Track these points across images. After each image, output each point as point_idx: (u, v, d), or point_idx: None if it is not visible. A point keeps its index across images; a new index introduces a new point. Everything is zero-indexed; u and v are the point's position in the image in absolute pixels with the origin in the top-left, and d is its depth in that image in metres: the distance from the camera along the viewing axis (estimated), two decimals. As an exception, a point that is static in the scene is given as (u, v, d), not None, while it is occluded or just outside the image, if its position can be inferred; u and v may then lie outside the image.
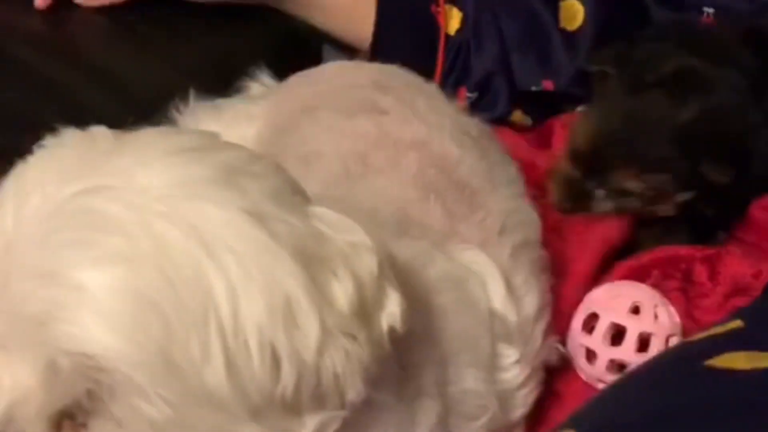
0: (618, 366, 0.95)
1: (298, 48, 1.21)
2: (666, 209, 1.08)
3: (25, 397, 0.59)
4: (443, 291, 0.79)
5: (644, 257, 1.05)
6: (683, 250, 1.06)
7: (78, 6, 1.06)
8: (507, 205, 0.91)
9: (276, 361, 0.60)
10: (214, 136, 0.68)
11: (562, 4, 1.24)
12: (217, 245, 0.59)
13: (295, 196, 0.65)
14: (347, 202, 0.77)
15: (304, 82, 1.06)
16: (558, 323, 0.94)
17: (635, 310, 0.96)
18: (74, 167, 0.61)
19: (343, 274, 0.62)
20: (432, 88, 1.04)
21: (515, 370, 0.85)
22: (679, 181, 1.05)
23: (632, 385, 0.75)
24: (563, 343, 0.96)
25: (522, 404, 0.86)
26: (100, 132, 0.65)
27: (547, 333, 0.89)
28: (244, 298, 0.59)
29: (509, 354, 0.84)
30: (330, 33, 1.22)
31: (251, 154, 0.66)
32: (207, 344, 0.58)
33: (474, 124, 1.00)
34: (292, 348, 0.60)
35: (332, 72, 1.08)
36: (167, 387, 0.58)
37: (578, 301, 0.99)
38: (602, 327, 0.95)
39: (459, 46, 1.21)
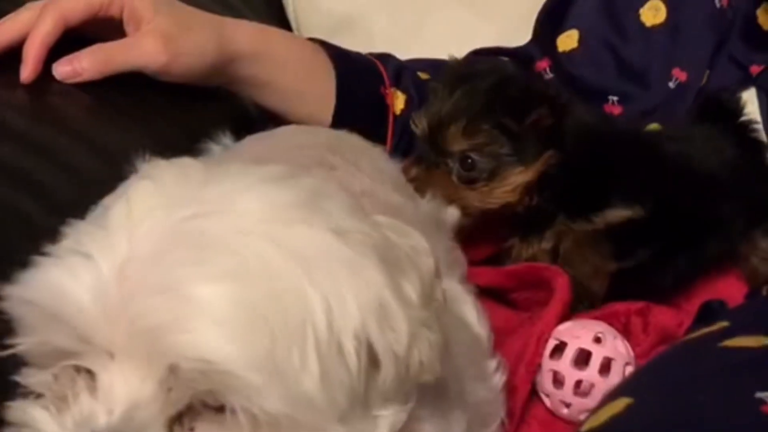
0: (582, 387, 1.03)
1: (253, 124, 1.28)
2: (507, 193, 1.18)
3: (140, 403, 0.63)
4: (443, 312, 0.84)
5: (592, 313, 1.15)
6: (621, 306, 1.16)
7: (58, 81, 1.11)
8: (445, 244, 1.02)
9: (374, 361, 0.66)
10: (288, 167, 0.73)
11: None
12: (312, 263, 0.65)
13: (360, 209, 0.72)
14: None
15: (256, 142, 1.12)
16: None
17: (598, 340, 1.06)
18: (177, 195, 0.66)
19: (411, 274, 0.69)
20: (376, 151, 1.14)
21: (497, 376, 0.93)
22: (507, 138, 1.17)
23: (665, 363, 0.83)
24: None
25: (503, 405, 0.94)
26: (189, 163, 0.71)
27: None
28: (338, 308, 0.65)
29: (490, 364, 0.93)
30: (281, 114, 1.29)
31: (320, 178, 0.73)
32: (305, 353, 0.64)
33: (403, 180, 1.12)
34: (388, 345, 0.66)
35: (286, 134, 1.15)
36: (275, 390, 0.63)
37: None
38: (570, 352, 1.05)
39: (404, 123, 1.32)
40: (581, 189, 1.18)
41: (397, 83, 1.35)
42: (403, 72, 1.37)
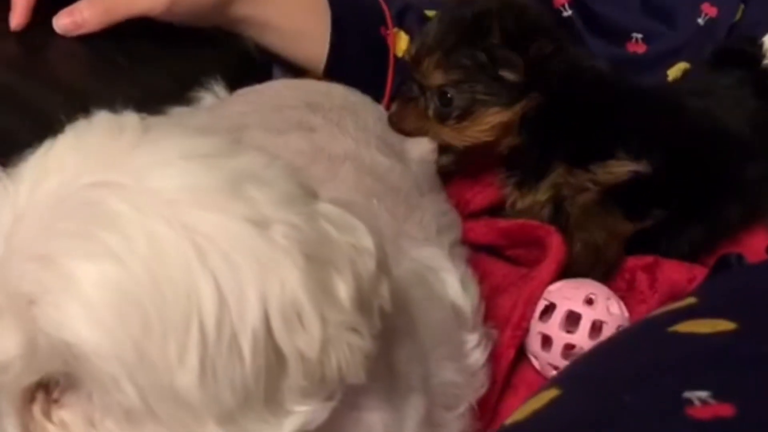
0: (572, 351, 1.00)
1: (250, 68, 1.26)
2: (482, 132, 1.12)
3: (7, 364, 0.61)
4: (413, 287, 0.83)
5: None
6: (627, 262, 1.11)
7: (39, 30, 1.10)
8: (437, 207, 0.99)
9: (282, 359, 0.63)
10: (233, 141, 0.70)
11: None
12: (212, 253, 0.61)
13: (306, 196, 0.67)
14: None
15: (240, 101, 1.10)
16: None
17: (589, 302, 1.02)
18: (95, 157, 0.64)
19: (346, 272, 0.65)
20: (368, 107, 1.11)
21: (477, 353, 0.90)
22: (483, 75, 1.10)
23: (605, 350, 0.80)
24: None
25: (483, 383, 0.92)
26: (130, 121, 0.67)
27: (484, 320, 0.95)
28: (236, 304, 0.61)
29: (471, 339, 0.90)
30: (281, 55, 1.26)
31: (266, 159, 0.68)
32: (185, 347, 0.60)
33: (399, 139, 1.08)
34: (296, 347, 0.63)
35: (271, 91, 1.12)
36: (138, 381, 0.60)
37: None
38: (558, 315, 1.02)
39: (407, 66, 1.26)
40: (576, 136, 1.12)
41: (401, 22, 1.30)
42: (408, 10, 1.31)
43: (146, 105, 0.99)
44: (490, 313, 0.99)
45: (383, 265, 0.69)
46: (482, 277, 1.02)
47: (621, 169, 1.10)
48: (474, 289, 0.93)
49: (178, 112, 1.08)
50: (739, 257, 1.11)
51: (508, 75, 1.10)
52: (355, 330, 0.65)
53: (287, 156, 0.93)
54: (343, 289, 0.65)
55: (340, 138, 0.98)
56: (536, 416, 0.66)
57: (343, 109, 1.06)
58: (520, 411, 0.69)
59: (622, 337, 0.84)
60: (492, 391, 0.94)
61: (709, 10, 1.32)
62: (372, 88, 1.20)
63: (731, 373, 0.64)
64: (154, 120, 0.69)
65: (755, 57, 1.22)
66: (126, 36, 1.13)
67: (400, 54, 1.28)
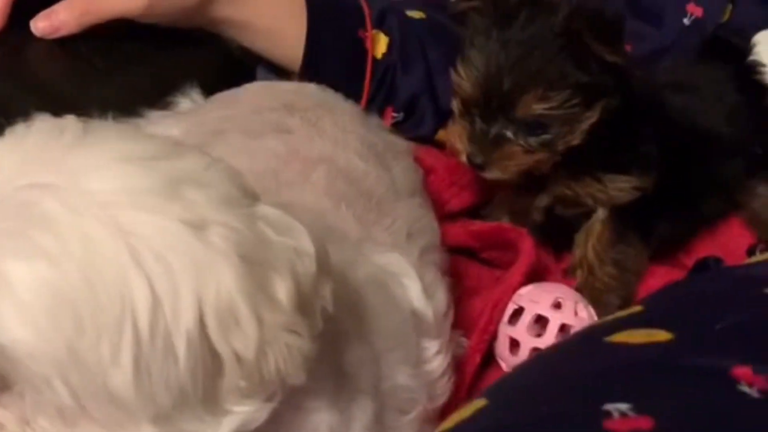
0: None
1: (233, 69, 1.26)
2: (574, 138, 1.05)
3: None
4: (370, 292, 0.84)
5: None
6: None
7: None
8: (411, 213, 0.98)
9: (217, 362, 0.64)
10: (174, 143, 0.71)
11: None
12: (147, 255, 0.61)
13: (245, 198, 0.67)
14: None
15: (219, 105, 1.10)
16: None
17: (557, 306, 1.03)
18: (33, 158, 0.64)
19: (285, 274, 0.65)
20: (345, 107, 1.10)
21: (437, 360, 0.90)
22: (581, 93, 1.03)
23: (541, 360, 0.80)
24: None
25: (444, 392, 0.91)
26: (69, 123, 0.67)
27: (452, 328, 0.95)
28: (170, 304, 0.62)
29: (431, 346, 0.90)
30: (262, 54, 1.26)
31: (206, 161, 0.68)
32: (118, 348, 0.61)
33: (381, 140, 1.06)
34: (232, 348, 0.64)
35: (249, 94, 1.12)
36: (71, 380, 0.61)
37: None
38: (526, 319, 1.02)
39: (386, 68, 1.27)
40: (607, 145, 1.08)
41: (381, 24, 1.28)
42: (389, 11, 1.30)
43: (123, 107, 1.02)
44: (462, 316, 1.00)
45: (324, 267, 0.69)
46: (457, 280, 1.03)
47: (627, 185, 1.09)
48: (441, 296, 0.93)
49: (156, 115, 1.09)
50: (717, 261, 1.11)
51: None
52: (293, 331, 0.66)
53: (262, 159, 0.95)
54: (282, 291, 0.65)
55: (316, 140, 0.99)
56: (459, 426, 0.66)
57: (320, 108, 1.05)
58: (449, 419, 0.69)
59: (559, 346, 0.84)
60: (457, 395, 0.94)
61: (695, 11, 1.31)
62: (351, 91, 1.19)
63: (655, 385, 0.64)
64: (97, 123, 0.69)
65: (742, 51, 1.22)
66: (107, 38, 1.14)
67: (379, 56, 1.27)
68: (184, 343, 0.62)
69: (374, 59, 1.26)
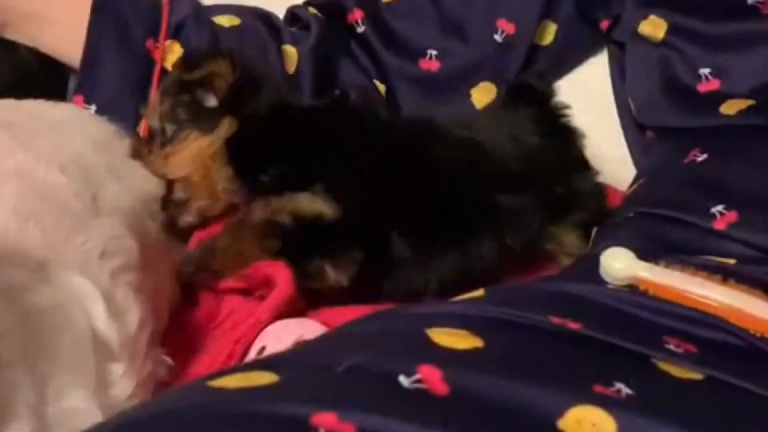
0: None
1: (46, 76, 1.24)
2: (186, 162, 1.10)
3: None
4: (45, 316, 0.81)
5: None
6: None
7: None
8: (108, 231, 0.94)
9: None
10: None
11: (284, 48, 1.28)
12: None
13: None
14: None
15: None
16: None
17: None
18: None
19: None
20: (80, 125, 1.09)
21: (123, 383, 0.87)
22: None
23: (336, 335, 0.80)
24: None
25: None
26: None
27: (150, 346, 0.92)
28: None
29: (114, 370, 0.87)
30: (42, 50, 1.23)
31: None
32: None
33: (104, 160, 1.04)
34: None
35: None
36: None
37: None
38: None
39: None
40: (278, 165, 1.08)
41: (178, 33, 1.24)
42: (189, 19, 1.25)
43: None
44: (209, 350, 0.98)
45: None
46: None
47: (308, 206, 1.04)
48: (133, 317, 0.90)
49: None
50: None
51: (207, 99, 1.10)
52: None
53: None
54: None
55: (18, 154, 0.95)
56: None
57: (49, 125, 1.04)
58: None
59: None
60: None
61: (506, 27, 1.27)
62: (139, 100, 1.18)
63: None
64: None
65: (544, 93, 1.18)
66: None
67: (170, 67, 1.22)
68: None
69: (165, 70, 1.22)
